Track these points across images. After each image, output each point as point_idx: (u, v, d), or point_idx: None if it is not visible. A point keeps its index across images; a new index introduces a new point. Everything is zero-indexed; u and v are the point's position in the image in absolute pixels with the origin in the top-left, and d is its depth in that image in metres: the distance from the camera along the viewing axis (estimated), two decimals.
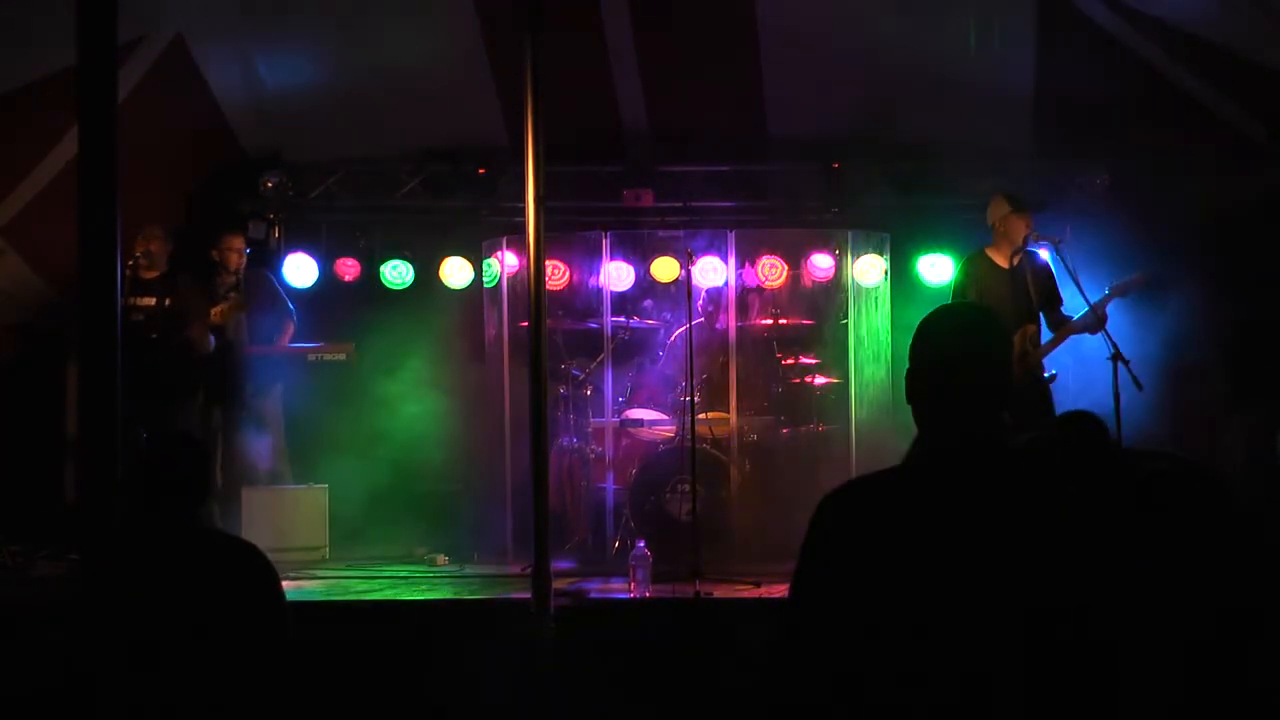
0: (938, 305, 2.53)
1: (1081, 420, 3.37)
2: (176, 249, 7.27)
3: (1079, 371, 7.30)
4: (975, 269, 6.78)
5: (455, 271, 8.53)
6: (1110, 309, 6.42)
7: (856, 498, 2.19)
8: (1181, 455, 3.39)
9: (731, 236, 7.56)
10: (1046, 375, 6.63)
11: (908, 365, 2.26)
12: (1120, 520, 2.99)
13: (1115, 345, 6.13)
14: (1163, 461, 3.49)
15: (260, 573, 3.35)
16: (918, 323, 2.31)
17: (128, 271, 6.74)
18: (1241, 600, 2.92)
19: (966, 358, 2.21)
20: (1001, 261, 6.74)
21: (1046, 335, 6.75)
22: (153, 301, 6.90)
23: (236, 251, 7.73)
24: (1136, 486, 3.33)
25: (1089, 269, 6.89)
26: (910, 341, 2.28)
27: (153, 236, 6.98)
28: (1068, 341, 6.73)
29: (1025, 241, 6.67)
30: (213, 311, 7.13)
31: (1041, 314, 6.76)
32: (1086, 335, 6.51)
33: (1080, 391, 6.89)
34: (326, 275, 8.63)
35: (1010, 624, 2.04)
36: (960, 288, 6.80)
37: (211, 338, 7.25)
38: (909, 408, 2.25)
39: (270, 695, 3.26)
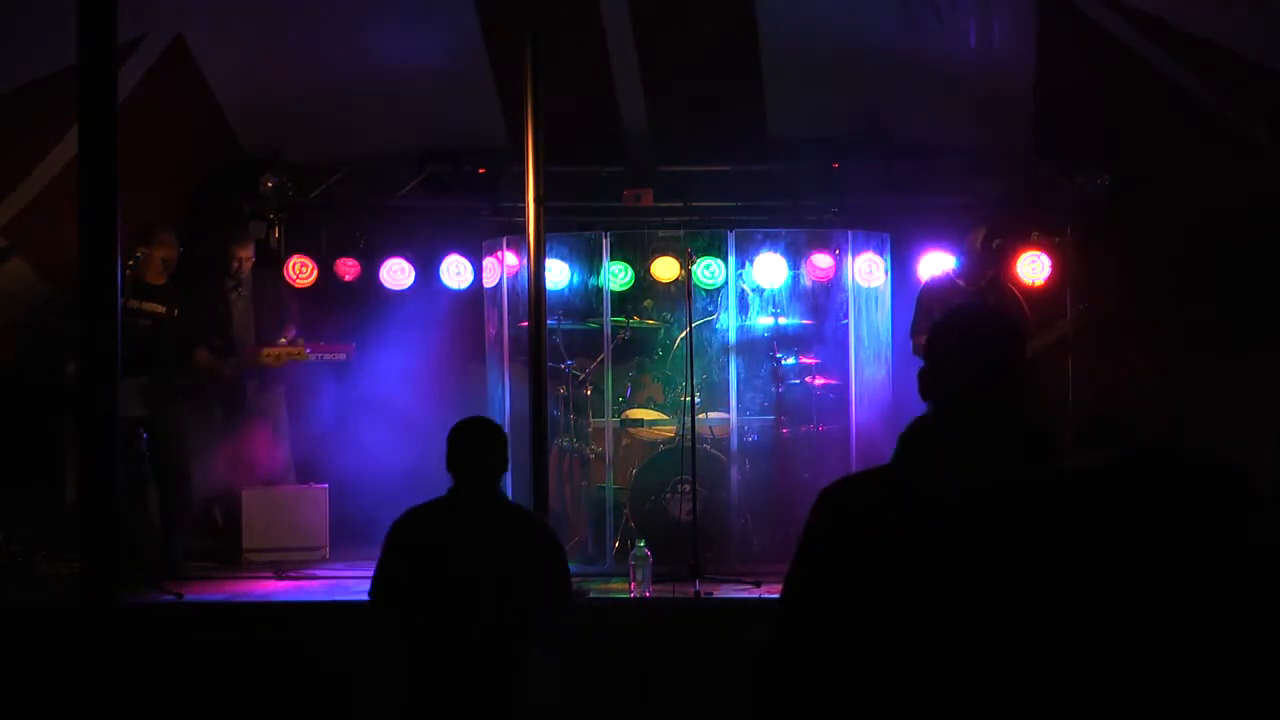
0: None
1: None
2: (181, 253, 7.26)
3: None
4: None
5: (455, 271, 8.54)
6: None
7: (854, 494, 2.18)
8: (1205, 450, 3.40)
9: (731, 236, 7.55)
10: None
11: (922, 364, 2.26)
12: (1136, 523, 2.98)
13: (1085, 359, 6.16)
14: (1187, 455, 3.50)
15: (548, 537, 4.01)
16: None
17: (128, 272, 6.72)
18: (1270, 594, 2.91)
19: (979, 359, 2.20)
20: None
21: None
22: (162, 309, 6.85)
23: (247, 260, 7.75)
24: (1159, 481, 3.34)
25: (1088, 269, 6.89)
26: (925, 341, 2.28)
27: (167, 244, 6.93)
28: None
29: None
30: (265, 354, 7.15)
31: None
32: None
33: None
34: (326, 275, 8.62)
35: (1003, 633, 2.03)
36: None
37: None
38: (908, 408, 2.25)
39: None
